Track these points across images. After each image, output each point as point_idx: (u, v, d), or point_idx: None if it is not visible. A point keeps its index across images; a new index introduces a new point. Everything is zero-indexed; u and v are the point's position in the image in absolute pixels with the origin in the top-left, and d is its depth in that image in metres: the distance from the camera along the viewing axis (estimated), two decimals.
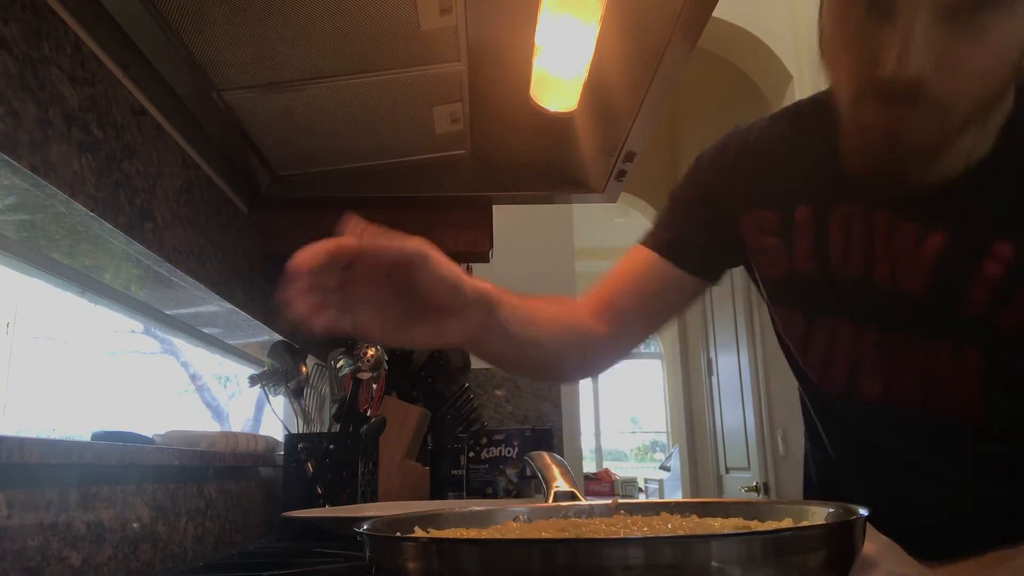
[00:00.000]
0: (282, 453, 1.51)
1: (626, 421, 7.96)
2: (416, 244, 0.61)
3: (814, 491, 0.92)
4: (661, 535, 0.52)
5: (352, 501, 1.46)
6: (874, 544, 0.50)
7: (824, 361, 0.81)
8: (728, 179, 0.86)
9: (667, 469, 5.59)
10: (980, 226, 0.69)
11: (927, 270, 0.71)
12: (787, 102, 1.70)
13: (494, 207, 1.63)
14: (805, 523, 0.53)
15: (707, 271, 0.90)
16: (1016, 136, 0.69)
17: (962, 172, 0.69)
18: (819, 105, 0.81)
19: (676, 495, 5.17)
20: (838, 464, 0.85)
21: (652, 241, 0.90)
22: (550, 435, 2.09)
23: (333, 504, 1.42)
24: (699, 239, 0.88)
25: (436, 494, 1.93)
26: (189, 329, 1.51)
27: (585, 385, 6.77)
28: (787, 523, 0.54)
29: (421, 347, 0.70)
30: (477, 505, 0.67)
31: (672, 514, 0.60)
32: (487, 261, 1.65)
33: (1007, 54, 0.61)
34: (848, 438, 0.82)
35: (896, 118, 0.63)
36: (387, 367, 1.75)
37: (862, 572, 0.48)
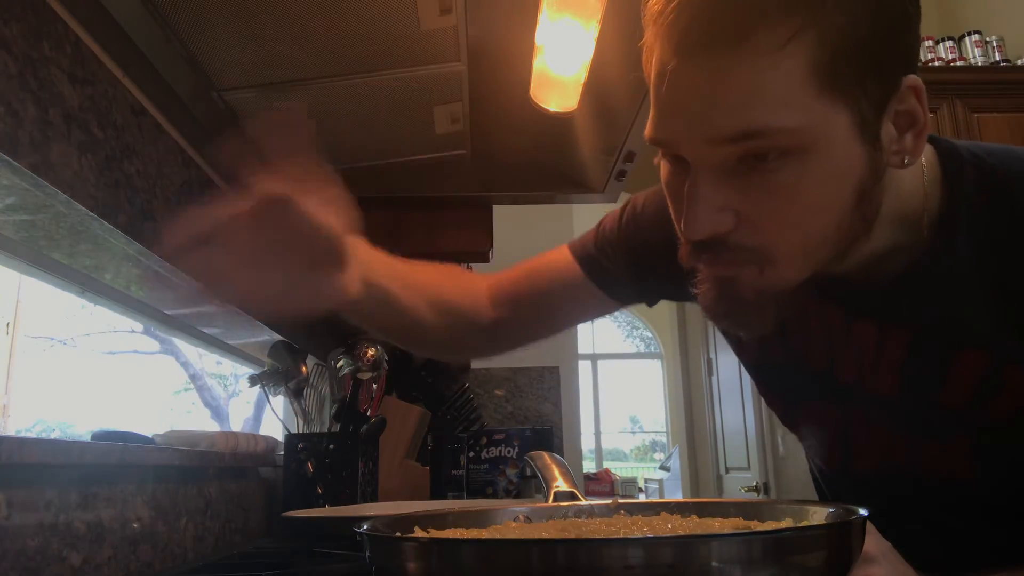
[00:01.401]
0: (282, 453, 1.51)
1: (626, 421, 7.96)
2: (277, 187, 0.57)
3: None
4: (661, 535, 0.52)
5: (352, 501, 1.46)
6: (874, 544, 0.50)
7: (815, 438, 0.79)
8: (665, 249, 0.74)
9: (667, 469, 5.58)
10: (941, 329, 0.65)
11: (894, 376, 0.67)
12: None
13: (494, 207, 1.64)
14: (805, 523, 0.53)
15: (624, 299, 0.86)
16: (949, 236, 0.63)
17: (902, 272, 0.64)
18: None
19: (676, 495, 5.16)
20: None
21: (578, 250, 0.85)
22: (550, 435, 2.09)
23: (333, 504, 1.42)
24: (623, 276, 0.84)
25: (436, 494, 1.93)
26: (189, 329, 1.51)
27: (585, 385, 6.77)
28: (787, 523, 0.54)
29: (300, 312, 0.65)
30: (477, 505, 0.67)
31: (672, 514, 0.60)
32: (487, 261, 1.65)
33: (820, 200, 0.56)
34: (846, 491, 0.81)
35: (713, 264, 0.60)
36: (387, 367, 1.75)
37: (862, 570, 0.48)
